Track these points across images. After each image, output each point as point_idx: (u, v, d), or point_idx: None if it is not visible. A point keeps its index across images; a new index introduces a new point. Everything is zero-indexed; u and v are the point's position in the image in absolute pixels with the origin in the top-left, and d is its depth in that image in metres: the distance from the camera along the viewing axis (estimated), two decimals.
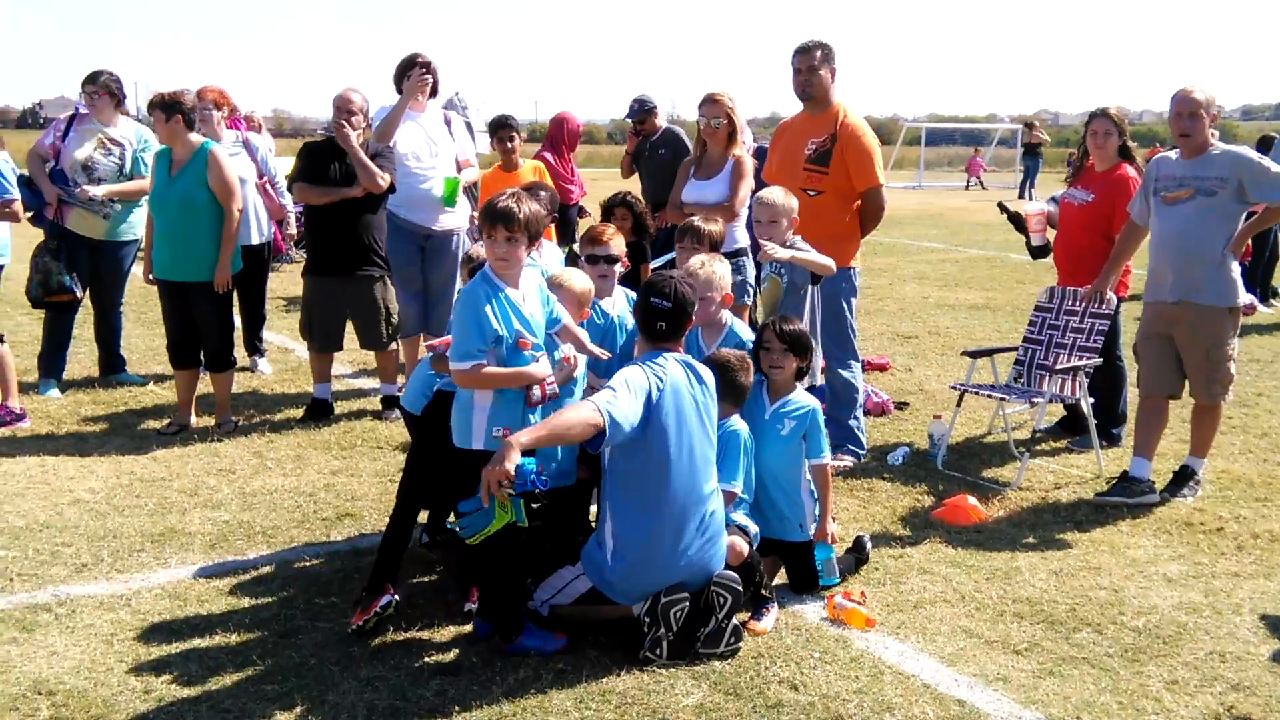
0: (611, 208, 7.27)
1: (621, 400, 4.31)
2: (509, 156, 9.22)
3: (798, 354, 5.32)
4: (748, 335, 5.58)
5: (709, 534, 4.59)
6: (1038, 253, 7.98)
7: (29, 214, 8.22)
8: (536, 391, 4.47)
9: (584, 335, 4.99)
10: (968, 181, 42.12)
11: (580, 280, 5.16)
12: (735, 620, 4.54)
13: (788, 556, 5.19)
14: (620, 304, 5.63)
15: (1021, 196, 32.92)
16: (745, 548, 4.84)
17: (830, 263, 6.22)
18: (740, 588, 4.58)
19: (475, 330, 4.35)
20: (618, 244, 5.68)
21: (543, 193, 6.27)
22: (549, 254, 6.15)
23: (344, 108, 7.61)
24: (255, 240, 8.95)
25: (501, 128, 9.29)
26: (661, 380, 4.48)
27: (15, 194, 7.69)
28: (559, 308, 4.82)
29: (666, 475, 4.47)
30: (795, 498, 5.22)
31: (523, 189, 6.28)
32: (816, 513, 5.26)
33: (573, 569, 4.71)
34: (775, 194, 6.19)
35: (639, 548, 4.51)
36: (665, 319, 4.58)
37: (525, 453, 4.16)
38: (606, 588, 4.58)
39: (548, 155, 10.34)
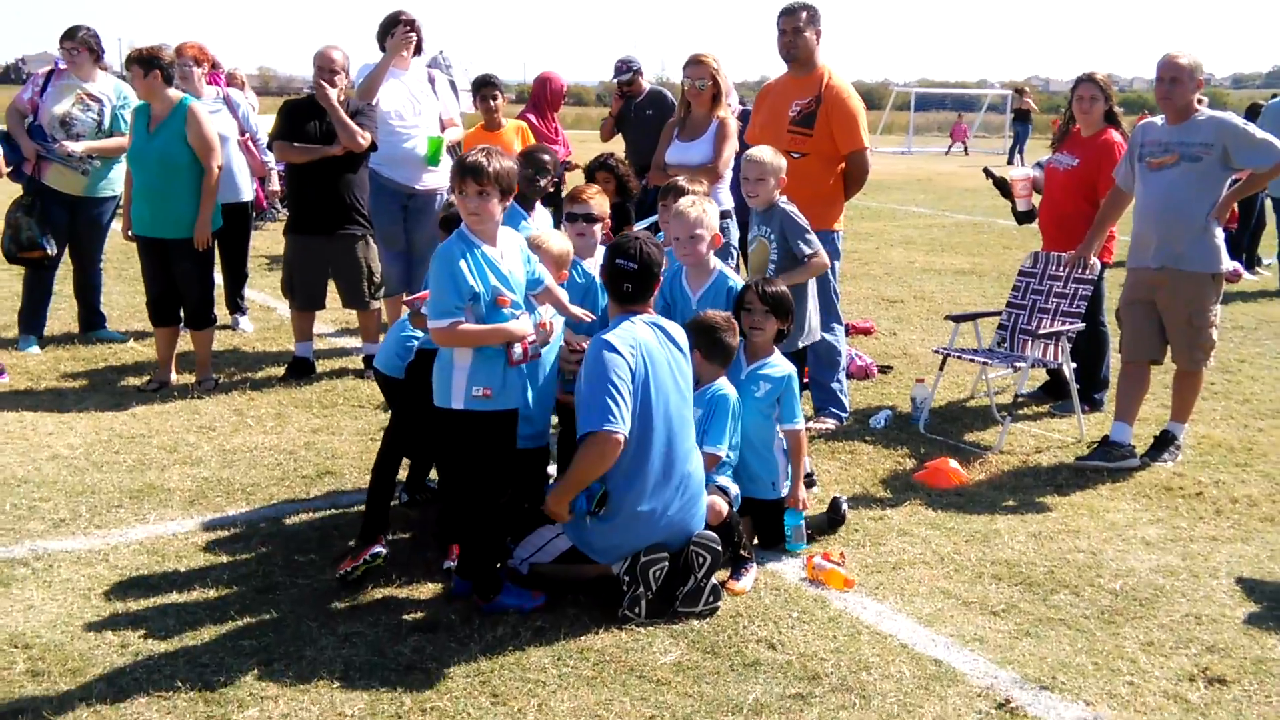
0: (594, 170, 7.21)
1: (621, 407, 4.37)
2: (491, 116, 9.16)
3: (779, 316, 5.32)
4: (736, 281, 5.56)
5: (688, 494, 4.59)
6: (1023, 218, 7.97)
7: (8, 170, 8.13)
8: (518, 350, 4.42)
9: (564, 296, 4.97)
10: (949, 146, 42.14)
11: (559, 241, 5.12)
12: (714, 580, 4.55)
13: (759, 514, 5.20)
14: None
15: (1010, 162, 33.04)
16: (725, 508, 4.84)
17: (824, 261, 6.16)
18: (719, 548, 4.58)
19: (451, 287, 4.31)
20: (599, 203, 5.64)
21: (545, 156, 6.21)
22: (539, 218, 6.11)
23: (325, 66, 7.55)
24: (239, 198, 8.88)
25: (484, 86, 9.22)
26: (634, 348, 4.47)
27: None
28: (540, 268, 4.79)
29: (643, 436, 4.47)
30: (767, 457, 5.24)
31: (526, 151, 6.20)
32: (788, 472, 5.27)
33: (553, 527, 4.71)
34: (764, 152, 6.14)
35: (618, 507, 4.51)
36: (632, 280, 4.56)
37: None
38: (586, 547, 4.59)
39: (530, 116, 10.25)
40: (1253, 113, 14.14)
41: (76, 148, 8.17)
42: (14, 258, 8.27)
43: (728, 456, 5.03)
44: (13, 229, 8.14)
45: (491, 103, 9.11)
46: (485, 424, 4.43)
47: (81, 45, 8.31)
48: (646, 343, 4.52)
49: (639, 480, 4.48)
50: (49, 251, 8.25)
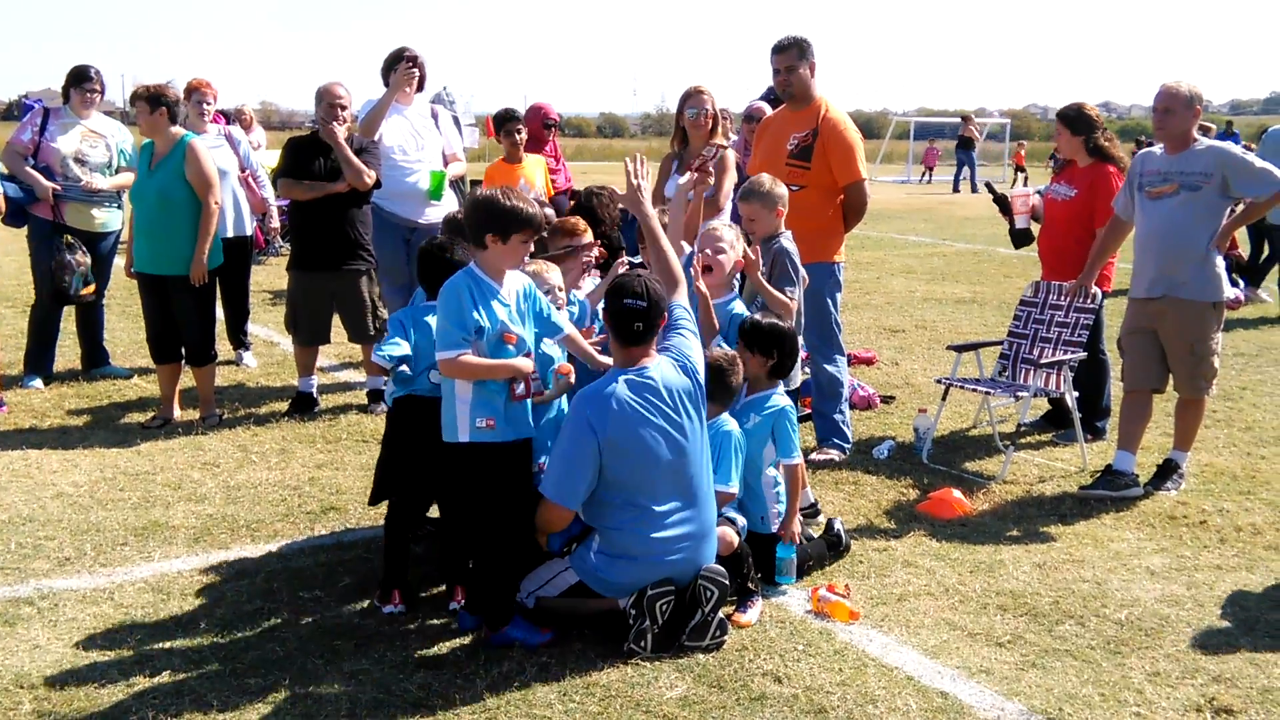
0: (576, 209, 7.17)
1: (576, 482, 4.48)
2: (515, 150, 9.17)
3: (764, 352, 5.30)
4: (743, 313, 5.62)
5: (698, 532, 4.59)
6: (1019, 236, 7.95)
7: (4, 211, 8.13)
8: (520, 387, 4.47)
9: (590, 348, 5.01)
10: (923, 175, 42.84)
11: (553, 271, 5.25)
12: (720, 613, 4.54)
13: (751, 547, 5.13)
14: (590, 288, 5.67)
15: (956, 190, 34.74)
16: (735, 539, 4.86)
17: (792, 305, 5.96)
18: (727, 581, 4.58)
19: (456, 320, 4.37)
20: (588, 234, 5.75)
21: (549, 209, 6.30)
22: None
23: (330, 103, 7.59)
24: (239, 233, 8.93)
25: (508, 121, 9.24)
26: (602, 408, 4.45)
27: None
28: (561, 317, 4.83)
29: (644, 479, 4.50)
30: (756, 491, 5.24)
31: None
32: (780, 510, 5.28)
33: (561, 561, 4.72)
34: (761, 184, 6.05)
35: (624, 545, 4.53)
36: (642, 319, 4.50)
37: None
38: (594, 581, 4.58)
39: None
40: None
41: (104, 184, 8.25)
42: (71, 299, 8.29)
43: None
44: (70, 271, 8.12)
45: (516, 137, 9.13)
46: (492, 455, 4.46)
47: (101, 85, 8.42)
48: (629, 400, 4.47)
49: (642, 517, 4.50)
50: (97, 287, 8.35)
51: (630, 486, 4.51)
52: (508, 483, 4.51)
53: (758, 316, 5.42)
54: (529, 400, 4.54)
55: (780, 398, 5.35)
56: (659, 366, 4.60)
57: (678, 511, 4.54)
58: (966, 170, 36.45)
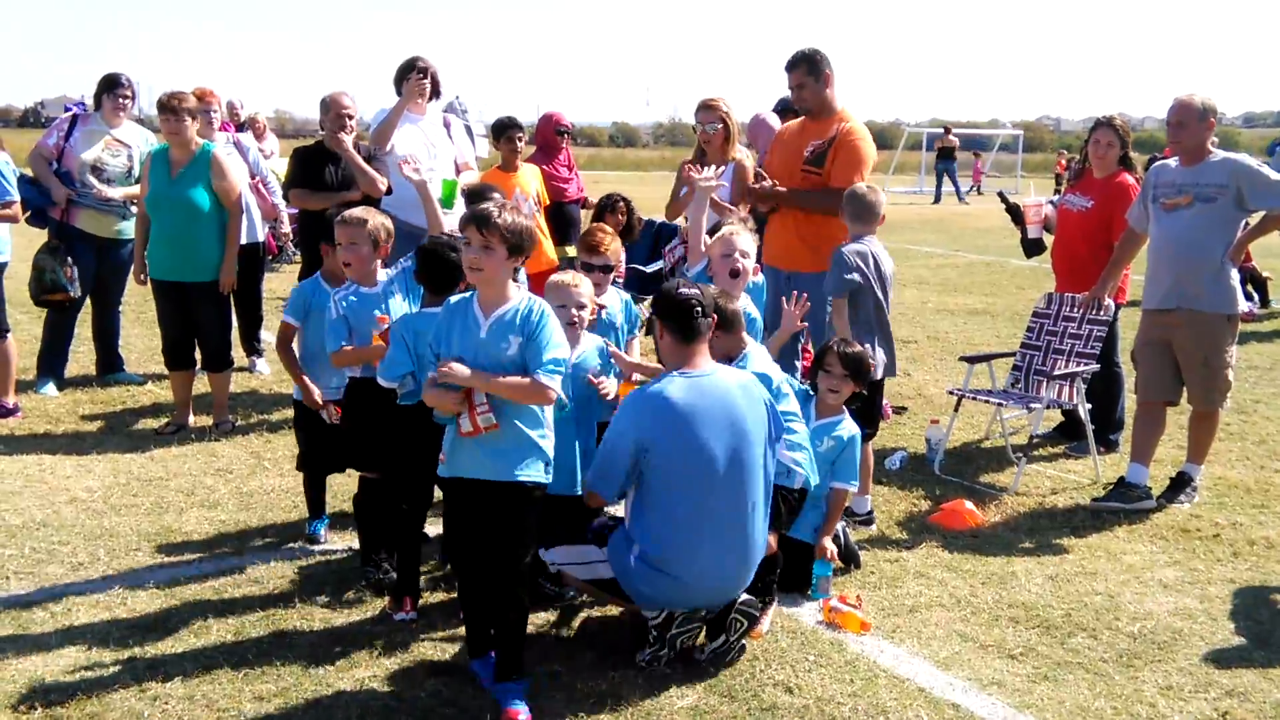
0: (603, 210, 7.17)
1: (612, 478, 4.43)
2: (513, 157, 9.20)
3: (857, 379, 5.39)
4: (756, 316, 5.65)
5: (742, 557, 4.42)
6: (1032, 247, 7.93)
7: (26, 214, 8.18)
8: (466, 423, 4.08)
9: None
10: (970, 187, 42.32)
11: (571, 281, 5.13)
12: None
13: (790, 554, 5.07)
14: (612, 303, 5.63)
15: (936, 201, 34.92)
16: (773, 543, 4.73)
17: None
18: (757, 613, 4.48)
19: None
20: (615, 251, 5.68)
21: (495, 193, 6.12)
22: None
23: (338, 112, 7.60)
24: (252, 239, 8.95)
25: (509, 128, 9.28)
26: (649, 408, 4.34)
27: (15, 195, 7.68)
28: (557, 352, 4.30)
29: (694, 488, 4.32)
30: (818, 504, 5.28)
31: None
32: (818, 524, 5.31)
33: (600, 551, 4.55)
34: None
35: (663, 560, 4.34)
36: (701, 308, 4.40)
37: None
38: (628, 586, 4.43)
39: (538, 163, 10.27)
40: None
41: (115, 193, 8.28)
42: (39, 300, 8.34)
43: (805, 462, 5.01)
44: (37, 271, 8.20)
45: (516, 144, 9.16)
46: (448, 489, 4.31)
47: (131, 93, 8.48)
48: (680, 402, 4.30)
49: (687, 534, 4.31)
50: (72, 294, 8.32)
51: (680, 494, 4.31)
52: (461, 520, 4.29)
53: (845, 345, 5.45)
54: (489, 435, 4.07)
55: (852, 425, 5.43)
56: (716, 372, 4.47)
57: (726, 531, 4.35)
58: (947, 181, 36.49)
